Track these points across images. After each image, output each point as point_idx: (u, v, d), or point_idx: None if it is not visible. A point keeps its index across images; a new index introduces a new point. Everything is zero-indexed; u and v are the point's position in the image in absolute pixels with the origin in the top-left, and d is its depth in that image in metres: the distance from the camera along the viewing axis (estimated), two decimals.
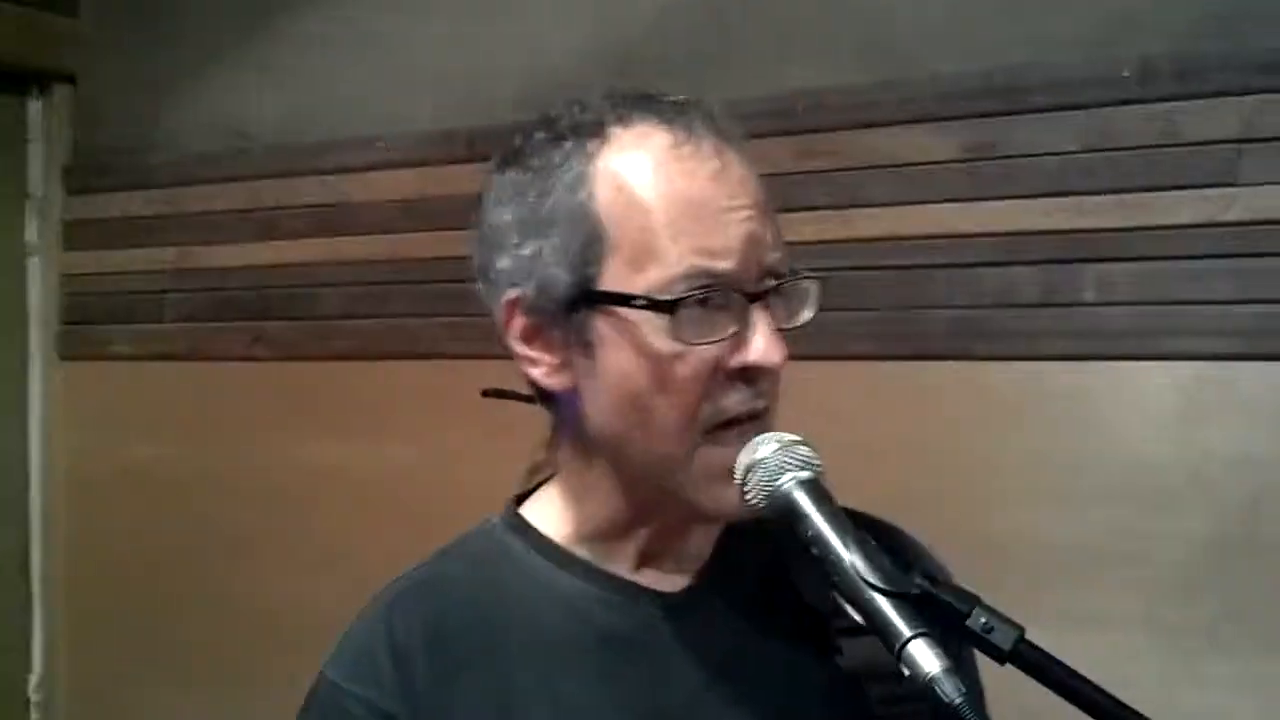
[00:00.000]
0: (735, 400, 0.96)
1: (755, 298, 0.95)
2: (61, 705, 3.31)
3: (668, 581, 1.04)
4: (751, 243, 0.95)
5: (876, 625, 0.84)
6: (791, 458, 0.92)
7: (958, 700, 0.79)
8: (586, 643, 1.02)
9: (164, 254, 3.12)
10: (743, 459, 0.94)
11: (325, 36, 2.91)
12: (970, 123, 2.22)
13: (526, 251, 0.98)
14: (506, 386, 1.08)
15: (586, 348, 0.98)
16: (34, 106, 3.30)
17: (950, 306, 2.24)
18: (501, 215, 1.00)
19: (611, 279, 0.96)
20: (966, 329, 2.22)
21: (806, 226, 2.24)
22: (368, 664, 1.02)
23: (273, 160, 2.97)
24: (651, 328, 0.94)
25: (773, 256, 0.97)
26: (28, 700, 3.30)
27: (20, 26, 3.15)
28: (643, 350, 0.95)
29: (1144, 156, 2.09)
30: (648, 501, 1.02)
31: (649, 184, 0.95)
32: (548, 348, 1.00)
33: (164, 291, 3.13)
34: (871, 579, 0.85)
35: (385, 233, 2.81)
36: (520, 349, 1.02)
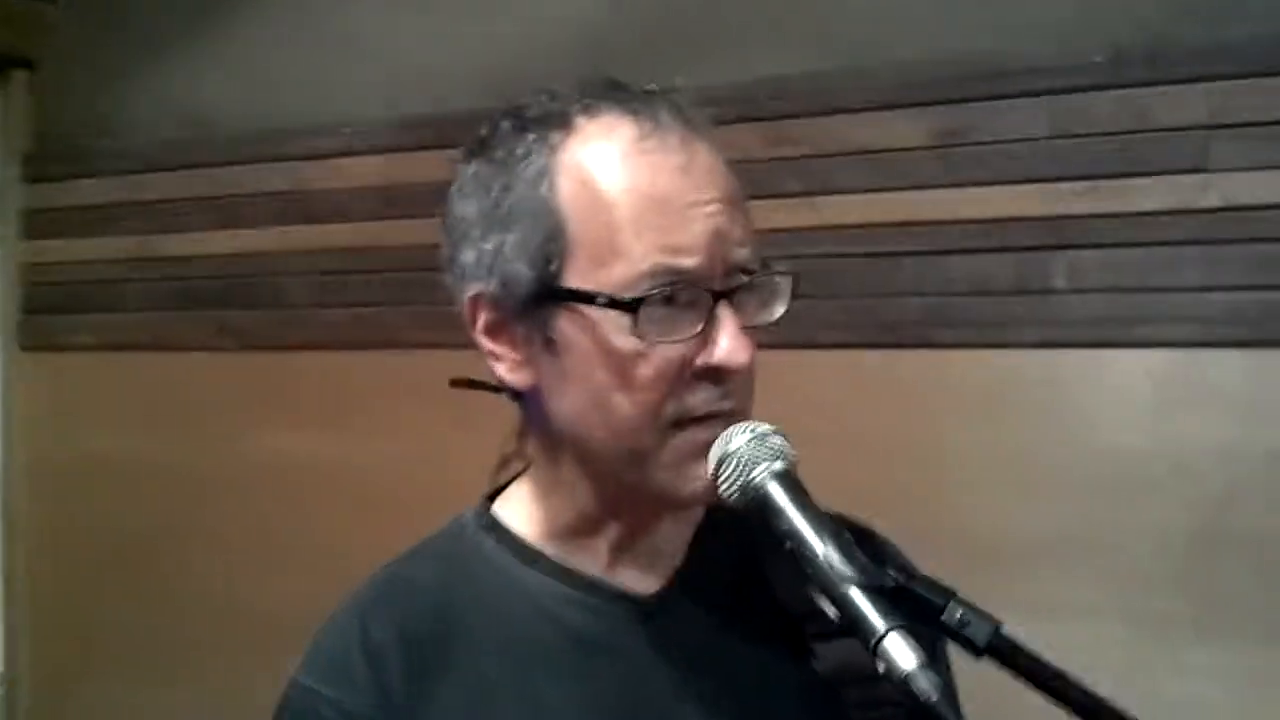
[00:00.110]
0: (701, 399, 0.94)
1: (722, 295, 0.93)
2: (25, 698, 3.28)
3: (641, 581, 1.03)
4: (718, 239, 0.93)
5: (852, 619, 0.82)
6: (765, 449, 0.90)
7: (934, 697, 0.77)
8: (558, 643, 1.00)
9: (125, 243, 3.09)
10: (715, 450, 0.92)
11: (288, 22, 2.88)
12: (940, 109, 2.22)
13: (489, 246, 0.96)
14: (475, 376, 1.06)
15: (549, 345, 0.96)
16: None
17: (920, 294, 2.24)
18: (465, 208, 0.99)
19: (574, 276, 0.94)
20: (937, 317, 2.22)
21: (776, 214, 2.22)
22: (341, 666, 1.00)
23: (234, 148, 2.94)
24: (613, 326, 0.93)
25: (741, 252, 0.95)
26: None
27: None
28: (605, 349, 0.93)
29: (1115, 143, 2.08)
30: (617, 495, 1.00)
31: (612, 179, 0.93)
32: (511, 344, 0.99)
33: (126, 280, 3.09)
34: (846, 572, 0.83)
35: (350, 221, 2.78)
36: (485, 344, 1.00)
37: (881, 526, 1.08)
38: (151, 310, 3.06)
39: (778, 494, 0.88)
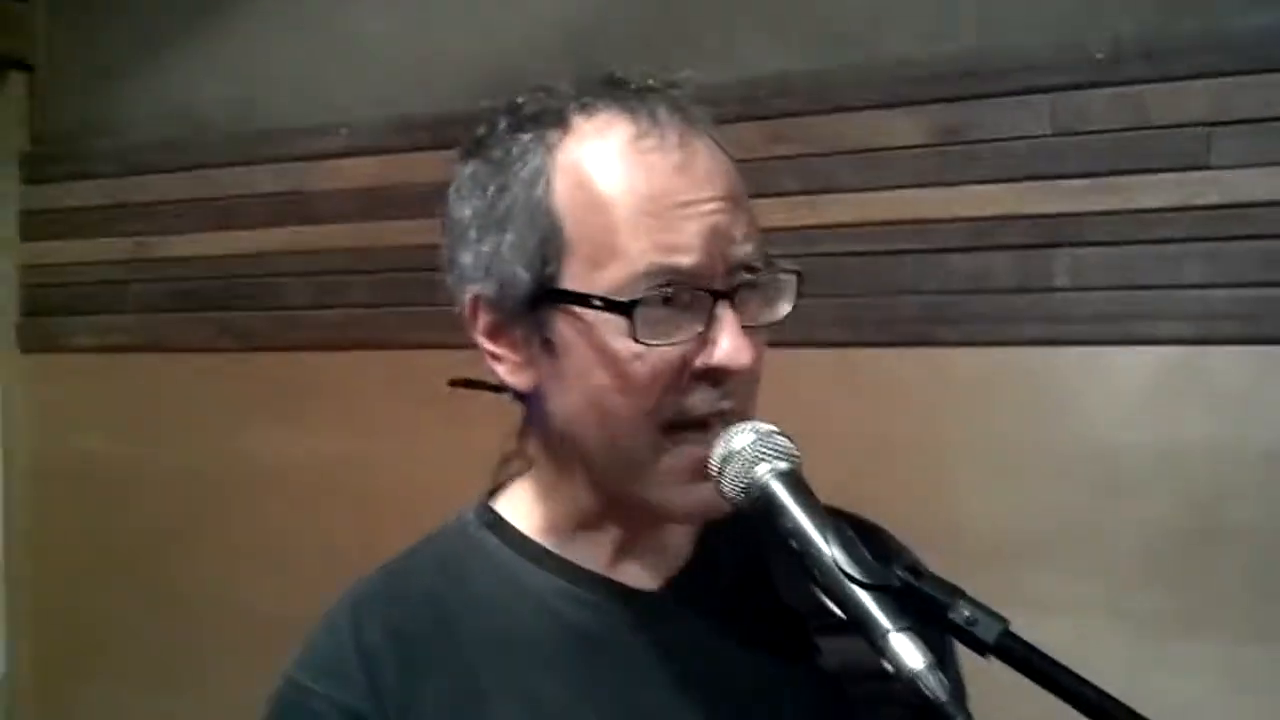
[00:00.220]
0: (701, 401, 0.93)
1: (722, 295, 0.92)
2: (25, 700, 3.27)
3: (645, 578, 1.02)
4: (716, 237, 0.92)
5: (858, 620, 0.81)
6: (769, 448, 0.89)
7: (942, 697, 0.76)
8: (558, 640, 0.99)
9: (123, 244, 3.08)
10: (718, 449, 0.91)
11: (284, 22, 2.87)
12: (940, 106, 2.21)
13: (486, 248, 0.96)
14: (474, 376, 1.05)
15: (548, 347, 0.96)
16: None
17: (919, 292, 2.23)
18: (462, 209, 0.98)
19: (571, 277, 0.93)
20: (936, 315, 2.21)
21: (774, 212, 2.21)
22: (335, 664, 0.99)
23: (231, 148, 2.93)
24: (611, 328, 0.92)
25: (742, 250, 0.94)
26: None
27: None
28: (602, 351, 0.93)
29: (1115, 139, 2.07)
30: (618, 500, 0.99)
31: (609, 179, 0.92)
32: (511, 345, 0.98)
33: (124, 282, 3.09)
34: (852, 572, 0.82)
35: (347, 221, 2.77)
36: (485, 345, 0.99)
37: (876, 520, 1.07)
38: (150, 311, 3.05)
39: (782, 493, 0.87)
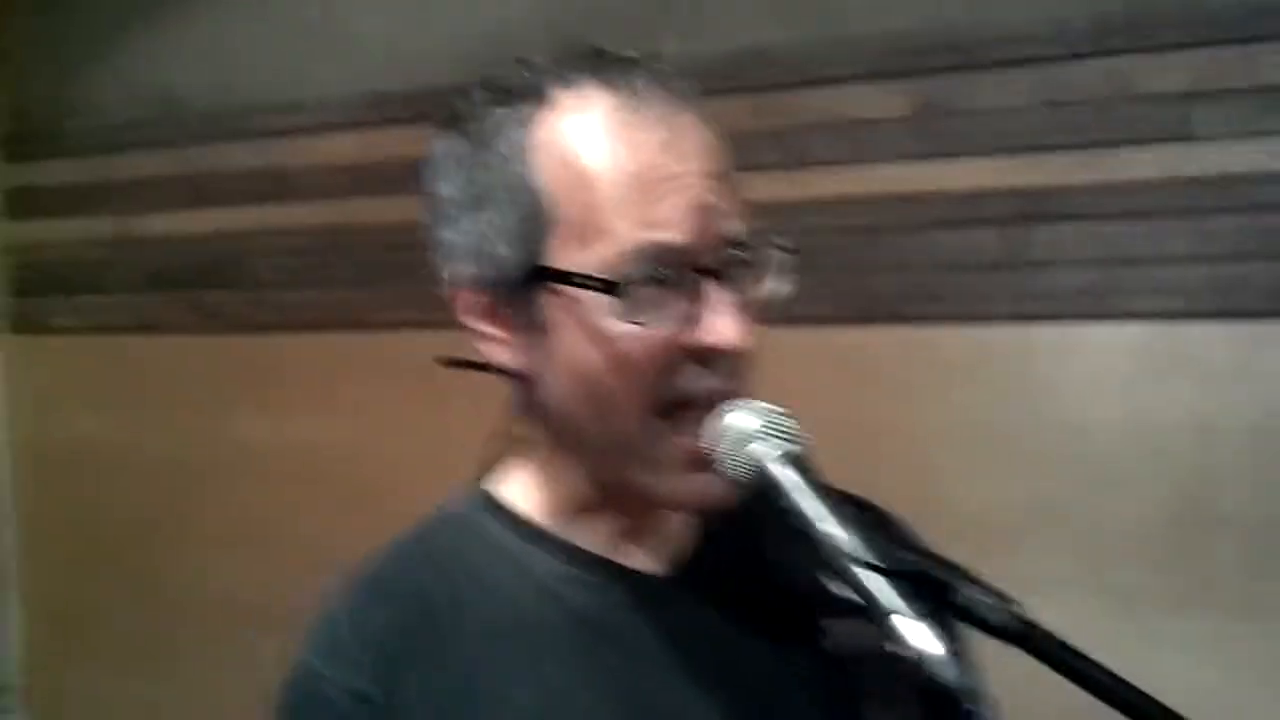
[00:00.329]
0: (694, 381, 0.91)
1: (711, 272, 0.90)
2: (20, 680, 3.26)
3: (648, 561, 1.01)
4: (702, 212, 0.90)
5: (865, 600, 0.80)
6: (773, 429, 0.88)
7: (952, 678, 0.75)
8: (561, 624, 0.98)
9: (104, 223, 3.05)
10: (719, 429, 0.89)
11: None
12: (920, 80, 2.20)
13: (468, 226, 0.94)
14: (461, 355, 1.03)
15: (535, 327, 0.94)
16: None
17: (902, 268, 2.22)
18: (443, 187, 0.96)
19: (557, 255, 0.91)
20: (918, 291, 2.20)
21: (754, 187, 2.17)
22: (343, 649, 0.98)
23: (206, 126, 2.90)
24: (599, 308, 0.90)
25: (729, 225, 0.92)
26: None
27: None
28: (592, 331, 0.91)
29: (1097, 112, 2.06)
30: (617, 487, 0.98)
31: (591, 155, 0.90)
32: (498, 325, 0.96)
33: (105, 262, 3.06)
34: (859, 554, 0.81)
35: (325, 199, 2.74)
36: (472, 325, 0.98)
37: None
38: (132, 292, 3.03)
39: (787, 475, 0.86)
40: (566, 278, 0.90)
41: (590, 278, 0.89)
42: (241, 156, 2.84)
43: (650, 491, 0.95)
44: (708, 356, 0.91)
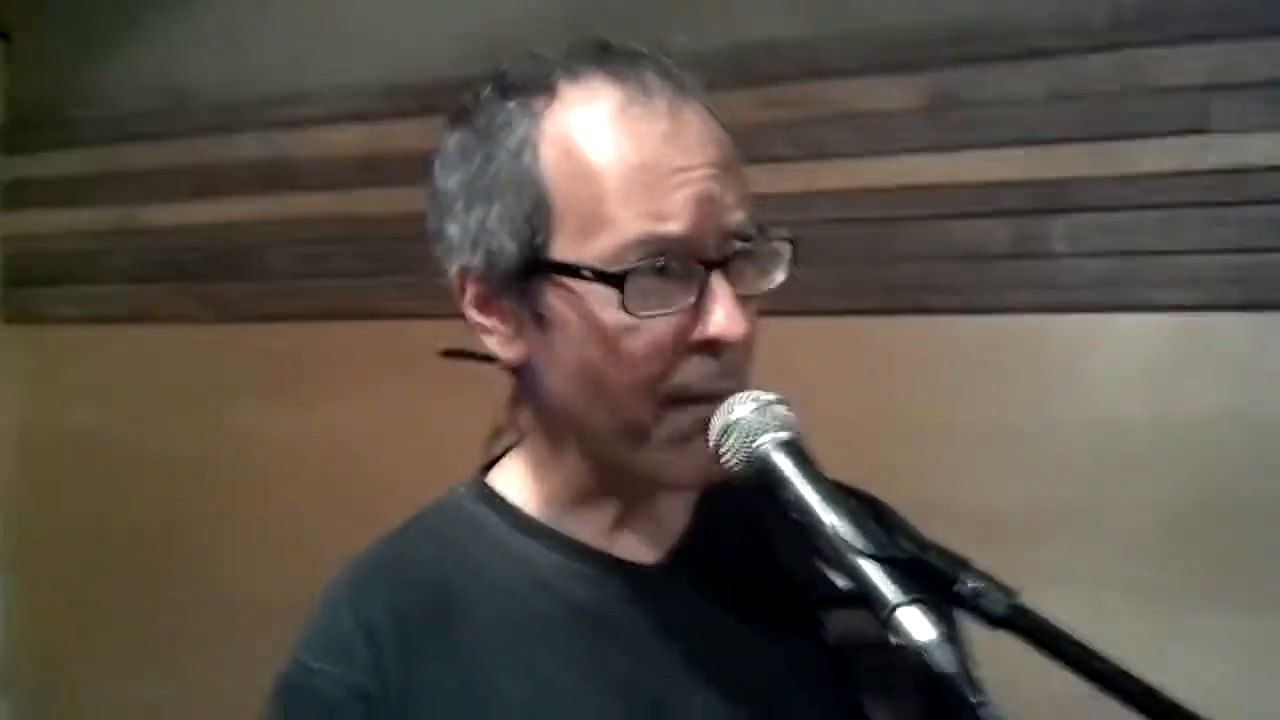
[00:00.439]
0: (697, 375, 0.92)
1: (715, 264, 0.90)
2: (15, 679, 3.25)
3: (643, 552, 1.01)
4: (708, 204, 0.90)
5: (864, 592, 0.80)
6: (769, 418, 0.87)
7: (951, 669, 0.75)
8: (557, 615, 0.98)
9: (106, 214, 3.05)
10: (718, 421, 0.89)
11: None
12: (936, 71, 2.18)
13: (473, 219, 0.94)
14: (464, 347, 1.03)
15: (538, 319, 0.94)
16: None
17: (916, 259, 2.20)
18: (449, 179, 0.96)
19: (560, 248, 0.91)
20: (932, 282, 2.19)
21: (767, 180, 2.18)
22: (338, 643, 0.98)
23: (214, 117, 2.89)
24: (601, 300, 0.90)
25: (734, 218, 0.92)
26: None
27: None
28: (594, 324, 0.91)
29: (1113, 104, 2.05)
30: (613, 471, 0.98)
31: (596, 147, 0.90)
32: (501, 317, 0.97)
33: (106, 252, 3.06)
34: (857, 544, 0.80)
35: (332, 190, 2.74)
36: (474, 317, 0.98)
37: (877, 492, 1.05)
38: (132, 282, 3.02)
39: (784, 464, 0.86)
40: (569, 270, 0.90)
41: (593, 270, 0.89)
42: (249, 147, 2.84)
43: (649, 470, 0.95)
44: (711, 348, 0.91)
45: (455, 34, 2.52)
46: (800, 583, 0.97)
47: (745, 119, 2.20)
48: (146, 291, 3.00)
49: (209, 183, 2.90)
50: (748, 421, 0.88)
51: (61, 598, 3.15)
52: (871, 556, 0.80)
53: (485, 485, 1.05)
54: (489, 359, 1.00)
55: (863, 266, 2.23)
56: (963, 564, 0.83)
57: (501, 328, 0.97)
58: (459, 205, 0.95)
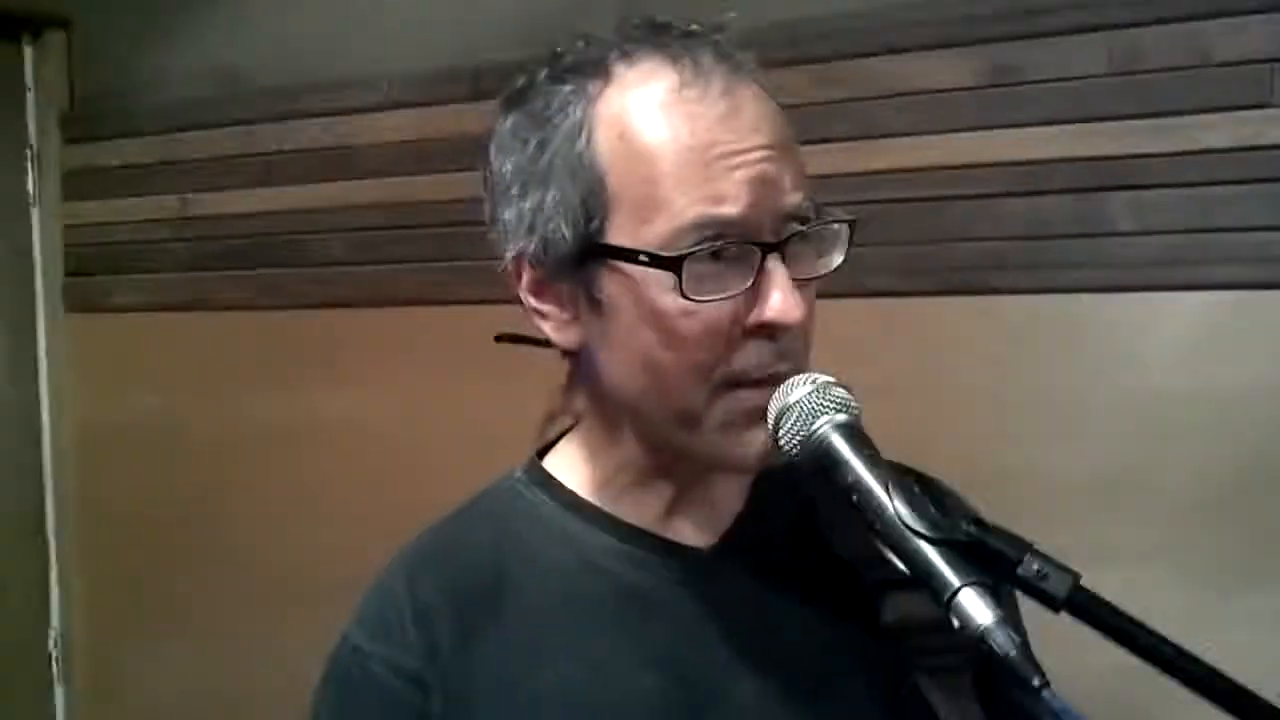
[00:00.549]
0: (754, 360, 0.91)
1: (771, 248, 0.90)
2: (79, 659, 3.31)
3: (697, 535, 1.01)
4: (764, 186, 0.89)
5: (923, 575, 0.79)
6: (827, 400, 0.87)
7: (1012, 653, 0.74)
8: (609, 597, 0.98)
9: (165, 202, 3.07)
10: (775, 403, 0.89)
11: None
12: (992, 46, 2.15)
13: (528, 204, 0.94)
14: (519, 331, 1.03)
15: (595, 304, 0.94)
16: (27, 53, 3.24)
17: (973, 239, 2.18)
18: (504, 164, 0.96)
19: (616, 233, 0.91)
20: (991, 262, 2.16)
21: (822, 159, 2.16)
22: (391, 626, 0.99)
23: (269, 104, 2.91)
24: (657, 285, 0.90)
25: (791, 199, 0.91)
26: (49, 655, 3.31)
27: None
28: (650, 309, 0.90)
29: (1174, 78, 2.01)
30: (669, 455, 0.98)
31: (652, 130, 0.90)
32: (557, 303, 0.97)
33: (166, 240, 3.08)
34: (917, 526, 0.80)
35: (389, 176, 2.75)
36: (530, 303, 0.98)
37: (936, 473, 1.04)
38: (194, 270, 3.05)
39: (841, 446, 0.85)
40: (625, 255, 0.90)
41: (649, 255, 0.89)
42: (305, 134, 2.85)
43: (705, 453, 0.94)
44: (768, 333, 0.90)
45: (503, 17, 2.52)
46: (855, 566, 0.96)
47: (798, 97, 2.18)
48: (204, 279, 3.03)
49: (264, 170, 2.92)
50: (805, 404, 0.87)
51: (120, 585, 3.19)
52: (931, 539, 0.79)
53: (540, 468, 1.05)
54: (543, 343, 1.00)
55: (918, 246, 2.21)
56: (1025, 546, 0.82)
57: (558, 313, 0.97)
58: (514, 190, 0.95)
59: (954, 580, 0.77)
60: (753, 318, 0.90)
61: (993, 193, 2.15)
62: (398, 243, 2.76)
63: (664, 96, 0.90)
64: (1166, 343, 2.06)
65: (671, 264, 0.88)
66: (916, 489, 0.83)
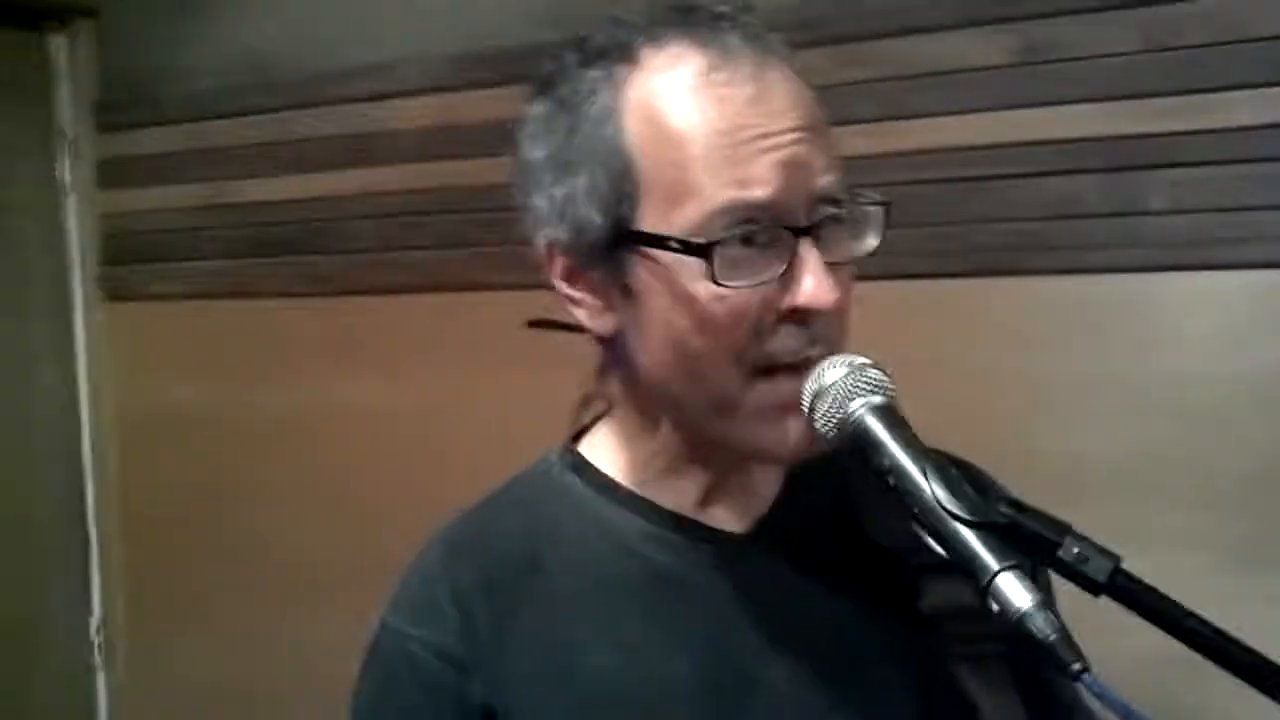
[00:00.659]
0: (788, 345, 0.91)
1: (804, 231, 0.89)
2: (121, 646, 3.33)
3: (733, 521, 1.01)
4: (796, 169, 0.89)
5: (961, 558, 0.79)
6: (863, 382, 0.87)
7: (1052, 637, 0.74)
8: (643, 581, 0.98)
9: (198, 190, 3.08)
10: (809, 386, 0.88)
11: None
12: (1022, 24, 2.12)
13: (559, 191, 0.94)
14: (551, 317, 1.03)
15: (626, 290, 0.94)
16: (56, 42, 3.25)
17: (1006, 219, 2.16)
18: (533, 151, 0.96)
19: (647, 219, 0.91)
20: (1024, 242, 2.14)
21: (850, 140, 2.14)
22: (429, 608, 0.99)
23: (297, 91, 2.91)
24: (689, 271, 0.89)
25: (824, 181, 0.91)
26: (91, 642, 3.33)
27: None
28: (682, 295, 0.90)
29: (1209, 55, 1.98)
30: (705, 442, 0.97)
31: (681, 114, 0.89)
32: (589, 289, 0.97)
33: (200, 228, 3.09)
34: (955, 509, 0.80)
35: (418, 161, 2.74)
36: (563, 290, 0.98)
37: (970, 456, 1.04)
38: (228, 258, 3.05)
39: (878, 428, 0.85)
40: (656, 241, 0.90)
41: (680, 241, 0.88)
42: (332, 120, 2.85)
43: (740, 443, 0.94)
44: (802, 317, 0.90)
45: (535, 1, 2.51)
46: (892, 551, 0.96)
47: (822, 78, 2.16)
48: (238, 266, 3.04)
49: (295, 157, 2.92)
50: (840, 386, 0.87)
51: (161, 572, 3.20)
52: (969, 522, 0.79)
53: (575, 453, 1.05)
54: (576, 329, 1.00)
55: (948, 227, 2.19)
56: (1064, 529, 0.81)
57: (590, 300, 0.97)
58: (545, 177, 0.95)
59: (993, 563, 0.77)
60: (785, 302, 0.89)
61: (1024, 173, 2.13)
62: (430, 228, 2.75)
63: (692, 80, 0.90)
64: (1200, 323, 2.04)
65: (702, 250, 0.88)
66: (954, 472, 0.83)
